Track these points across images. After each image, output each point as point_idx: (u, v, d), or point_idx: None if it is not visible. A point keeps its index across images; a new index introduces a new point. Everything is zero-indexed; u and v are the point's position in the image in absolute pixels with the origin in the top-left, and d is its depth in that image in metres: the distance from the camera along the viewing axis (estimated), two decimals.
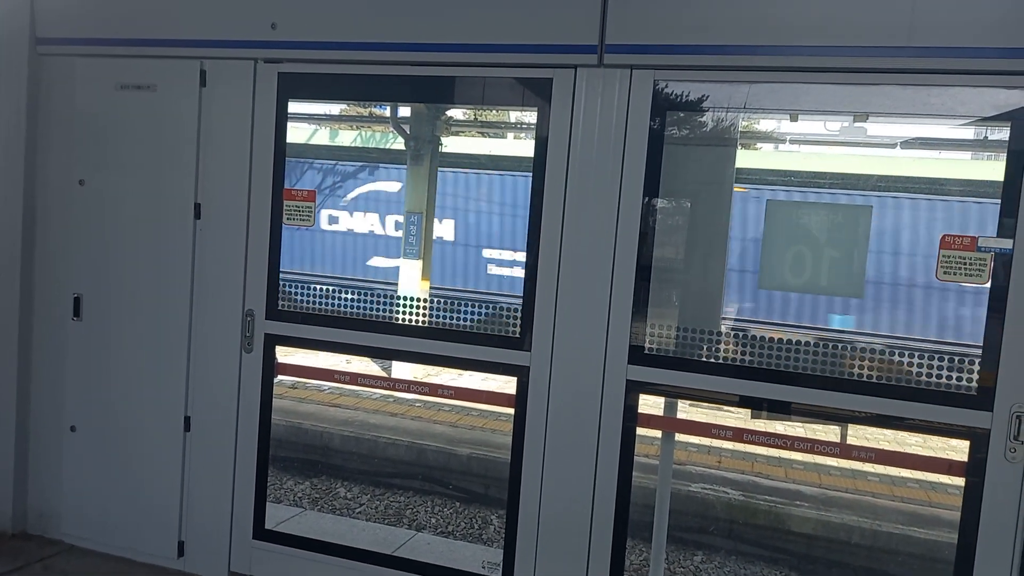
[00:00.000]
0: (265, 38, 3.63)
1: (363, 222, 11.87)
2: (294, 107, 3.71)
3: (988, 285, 2.84)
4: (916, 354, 2.96)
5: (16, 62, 4.01)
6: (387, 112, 11.36)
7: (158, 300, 3.88)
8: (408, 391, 3.85)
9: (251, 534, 3.86)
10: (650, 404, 3.37)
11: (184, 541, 3.95)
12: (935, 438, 5.30)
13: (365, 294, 3.73)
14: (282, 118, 3.68)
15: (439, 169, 10.06)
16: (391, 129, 11.75)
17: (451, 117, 11.25)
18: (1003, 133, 2.88)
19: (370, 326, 3.66)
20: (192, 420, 3.90)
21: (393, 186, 11.79)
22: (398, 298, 3.65)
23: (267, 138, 3.69)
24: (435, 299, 3.69)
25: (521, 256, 3.68)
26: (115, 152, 3.91)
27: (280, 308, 3.75)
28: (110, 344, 3.98)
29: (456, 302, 3.58)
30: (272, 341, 3.77)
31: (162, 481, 3.92)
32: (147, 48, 3.83)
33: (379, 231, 11.80)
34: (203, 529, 3.91)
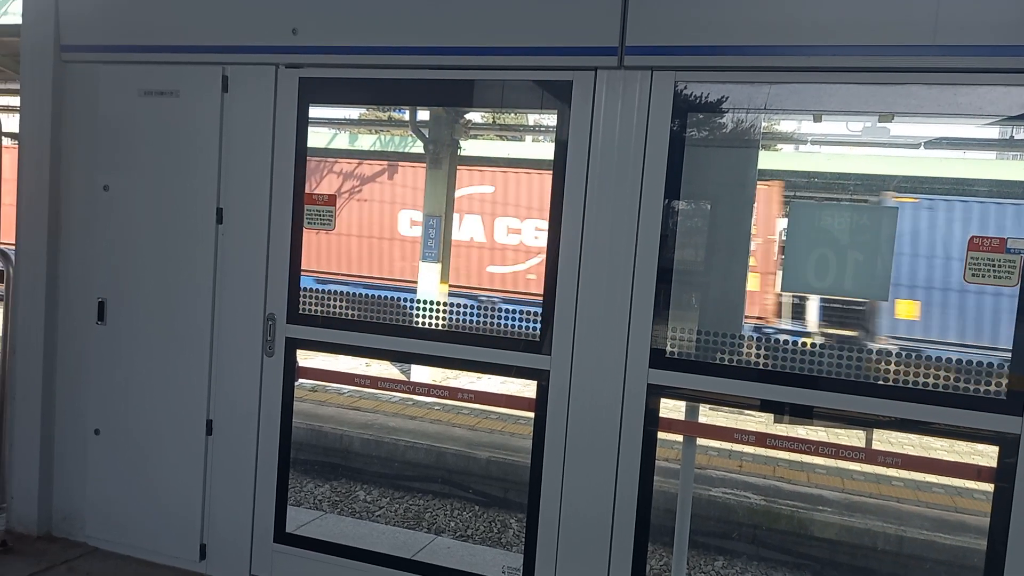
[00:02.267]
0: (286, 43, 3.64)
1: None
2: (315, 112, 3.72)
3: (1018, 287, 2.79)
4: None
5: (41, 69, 4.06)
6: (406, 116, 11.40)
7: (181, 304, 3.91)
8: (428, 394, 3.84)
9: (272, 537, 3.87)
10: (670, 408, 3.34)
11: (206, 544, 3.97)
12: (961, 443, 5.23)
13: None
14: (303, 122, 3.70)
15: None
16: (410, 132, 11.78)
17: (470, 120, 11.25)
18: None
19: (389, 330, 3.66)
20: (214, 424, 3.92)
21: None
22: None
23: (288, 142, 3.71)
24: None
25: None
26: (138, 158, 3.95)
27: (300, 312, 3.76)
28: (133, 348, 4.01)
29: None
30: (293, 345, 3.78)
31: (184, 484, 3.95)
32: (170, 55, 3.86)
33: None
34: (225, 532, 3.93)
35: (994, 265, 2.80)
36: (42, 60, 4.05)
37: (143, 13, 3.93)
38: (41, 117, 4.06)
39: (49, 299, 4.15)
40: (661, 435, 3.28)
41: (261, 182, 3.76)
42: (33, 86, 4.09)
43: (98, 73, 4.00)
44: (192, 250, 3.87)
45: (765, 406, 3.18)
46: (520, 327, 3.47)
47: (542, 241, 10.06)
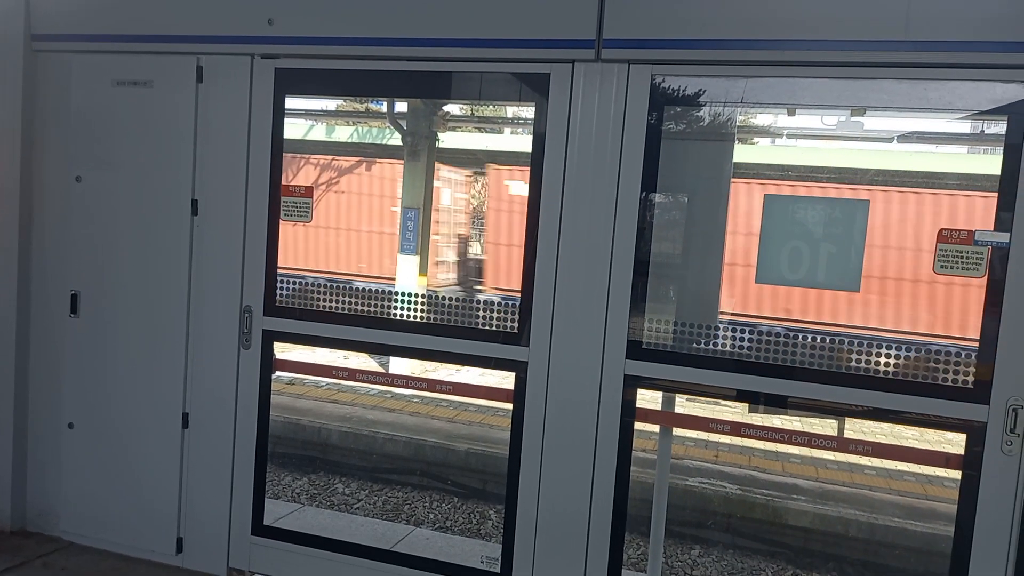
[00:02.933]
0: (262, 33, 3.62)
1: None
2: (291, 103, 3.70)
3: (985, 279, 2.85)
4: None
5: (11, 59, 3.99)
6: (383, 108, 11.36)
7: (156, 297, 3.88)
8: (406, 387, 3.85)
9: (250, 530, 3.86)
10: (647, 399, 3.38)
11: (183, 537, 3.95)
12: (931, 431, 5.32)
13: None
14: (279, 114, 3.68)
15: None
16: (388, 124, 11.72)
17: (448, 112, 11.22)
18: (1000, 127, 2.88)
19: (367, 322, 3.66)
20: (190, 417, 3.90)
21: None
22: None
23: (264, 134, 3.69)
24: None
25: None
26: (112, 149, 3.90)
27: (277, 304, 3.75)
28: (108, 341, 3.98)
29: None
30: (270, 337, 3.77)
31: (160, 478, 3.92)
32: (143, 44, 3.82)
33: None
34: (202, 525, 3.92)
35: (962, 257, 2.86)
36: (12, 50, 3.99)
37: (116, 2, 3.88)
38: (12, 108, 4.00)
39: (21, 292, 4.09)
40: (638, 425, 3.32)
41: (237, 173, 3.73)
42: (3, 77, 4.02)
43: (70, 63, 3.94)
44: (167, 242, 3.84)
45: (741, 396, 3.23)
46: None
47: None
